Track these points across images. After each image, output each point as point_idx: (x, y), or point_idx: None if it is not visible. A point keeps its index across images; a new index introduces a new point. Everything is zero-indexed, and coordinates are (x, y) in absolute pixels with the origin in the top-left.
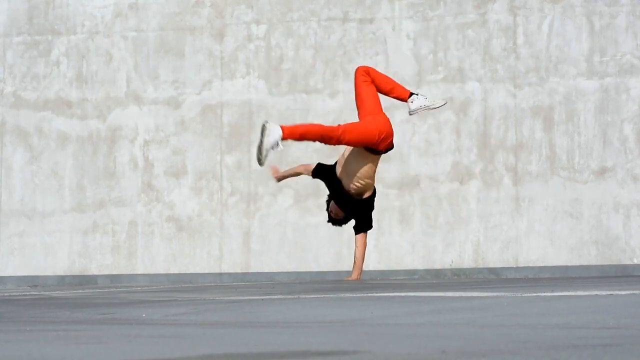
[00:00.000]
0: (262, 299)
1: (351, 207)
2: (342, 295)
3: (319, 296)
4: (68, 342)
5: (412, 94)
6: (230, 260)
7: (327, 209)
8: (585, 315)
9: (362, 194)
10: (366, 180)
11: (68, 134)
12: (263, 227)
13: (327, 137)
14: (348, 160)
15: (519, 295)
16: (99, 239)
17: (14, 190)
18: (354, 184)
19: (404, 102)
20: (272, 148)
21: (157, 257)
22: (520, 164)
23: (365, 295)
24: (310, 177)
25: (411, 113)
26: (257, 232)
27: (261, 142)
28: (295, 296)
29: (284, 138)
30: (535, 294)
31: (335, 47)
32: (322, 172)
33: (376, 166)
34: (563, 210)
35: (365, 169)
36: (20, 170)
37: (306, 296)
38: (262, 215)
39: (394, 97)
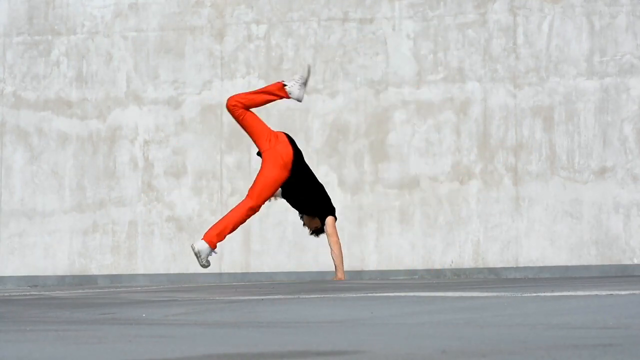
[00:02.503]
0: (262, 299)
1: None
2: (342, 295)
3: (319, 296)
4: (68, 342)
5: (284, 85)
6: (230, 260)
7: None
8: (585, 315)
9: None
10: None
11: (68, 134)
12: (263, 227)
13: (241, 216)
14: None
15: (519, 295)
16: (99, 239)
17: (14, 190)
18: None
19: (288, 98)
20: (209, 257)
21: (157, 257)
22: (520, 164)
23: (365, 295)
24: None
25: (299, 100)
26: (257, 232)
27: (200, 262)
28: (295, 296)
29: (212, 247)
30: (535, 294)
31: (335, 47)
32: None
33: None
34: (563, 210)
35: None
36: (20, 170)
37: (306, 296)
38: (262, 215)
39: (277, 99)
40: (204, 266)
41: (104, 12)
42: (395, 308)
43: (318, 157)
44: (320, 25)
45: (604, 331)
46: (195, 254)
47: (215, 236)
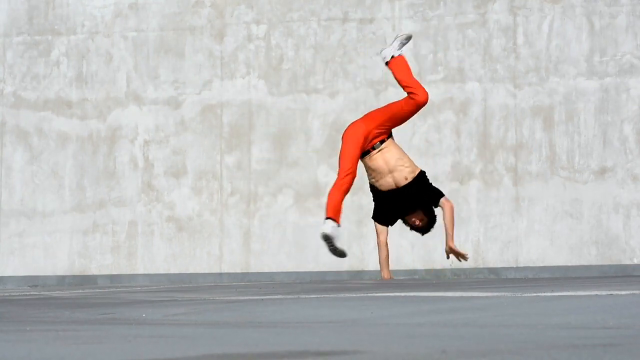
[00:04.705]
0: (262, 299)
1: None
2: (342, 295)
3: (319, 296)
4: (68, 342)
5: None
6: (230, 260)
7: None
8: (585, 315)
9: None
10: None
11: (68, 134)
12: (263, 227)
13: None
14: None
15: (519, 295)
16: (99, 239)
17: (14, 190)
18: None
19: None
20: (337, 239)
21: (157, 257)
22: (520, 164)
23: (365, 295)
24: (387, 226)
25: (384, 57)
26: (257, 232)
27: (332, 249)
28: (295, 296)
29: (337, 223)
30: (535, 294)
31: (335, 47)
32: (380, 211)
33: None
34: (563, 210)
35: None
36: (20, 170)
37: (306, 296)
38: (262, 215)
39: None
40: (338, 253)
41: (104, 12)
42: (395, 308)
43: (318, 157)
44: (320, 25)
45: (604, 331)
46: (326, 239)
47: (332, 209)
